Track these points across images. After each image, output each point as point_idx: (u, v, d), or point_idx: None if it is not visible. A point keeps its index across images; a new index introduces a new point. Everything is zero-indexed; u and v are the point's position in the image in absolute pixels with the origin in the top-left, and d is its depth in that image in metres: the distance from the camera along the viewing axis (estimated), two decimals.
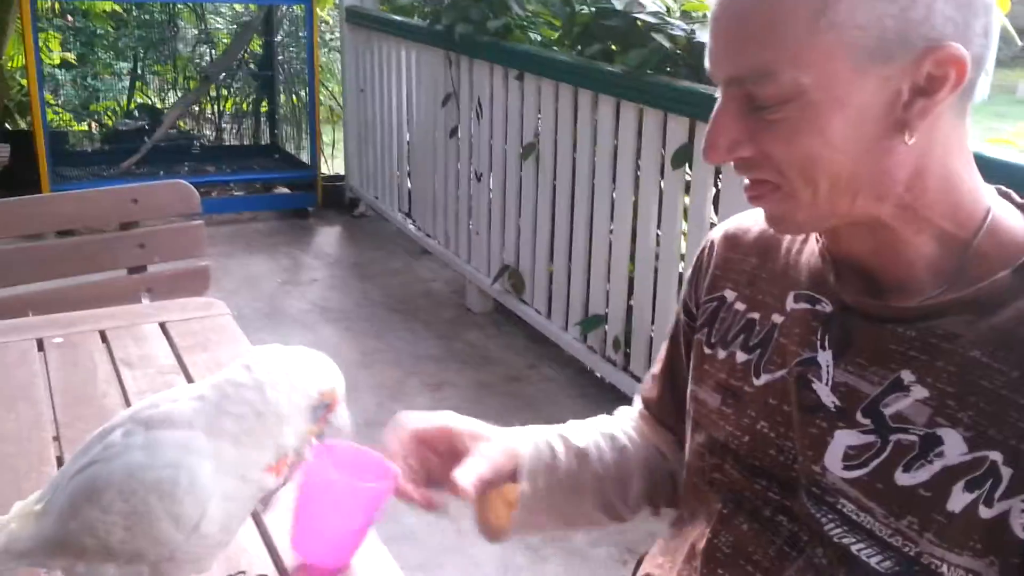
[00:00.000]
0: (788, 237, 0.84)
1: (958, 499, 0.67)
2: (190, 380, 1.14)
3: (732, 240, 0.89)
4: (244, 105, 5.38)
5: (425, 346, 3.22)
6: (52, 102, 5.03)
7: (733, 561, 0.80)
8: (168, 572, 0.70)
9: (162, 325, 1.29)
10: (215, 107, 5.43)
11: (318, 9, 4.73)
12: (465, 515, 0.89)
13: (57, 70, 5.26)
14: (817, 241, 0.81)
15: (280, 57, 5.07)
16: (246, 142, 5.36)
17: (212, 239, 4.31)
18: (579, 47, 2.73)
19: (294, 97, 5.06)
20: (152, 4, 5.14)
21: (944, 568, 0.67)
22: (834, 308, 0.77)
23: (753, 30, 0.67)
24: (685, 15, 2.32)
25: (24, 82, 4.65)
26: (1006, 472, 0.65)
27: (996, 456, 0.66)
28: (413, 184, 4.02)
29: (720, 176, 2.19)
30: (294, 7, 4.74)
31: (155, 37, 5.41)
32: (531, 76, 2.85)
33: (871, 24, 0.64)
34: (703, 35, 2.13)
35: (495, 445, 0.87)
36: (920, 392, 0.70)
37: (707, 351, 0.87)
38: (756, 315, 0.84)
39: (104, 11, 5.13)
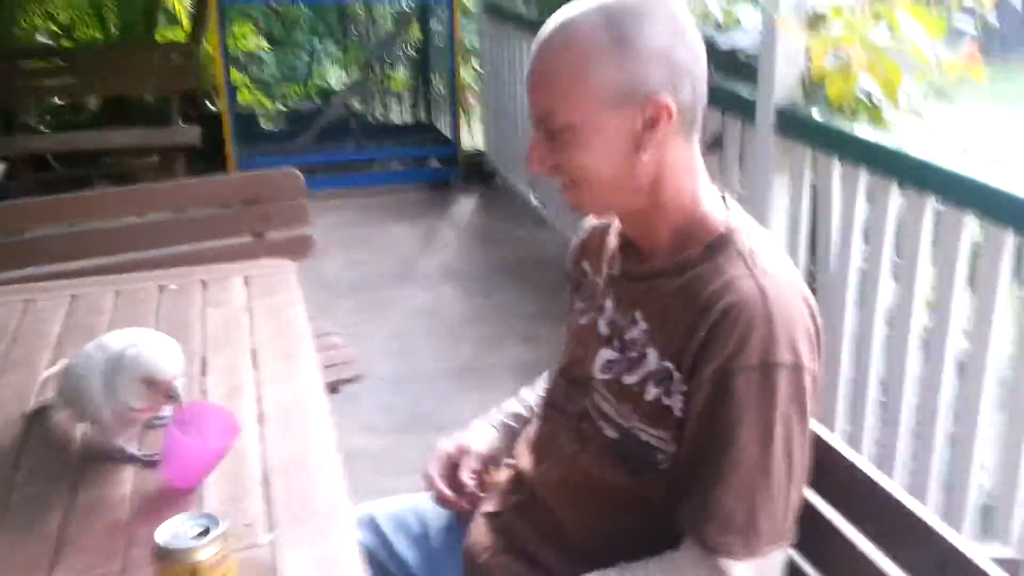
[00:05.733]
0: (613, 227, 1.21)
1: (651, 393, 1.04)
2: (252, 318, 1.64)
3: (590, 231, 1.27)
4: (403, 86, 6.00)
5: (526, 304, 3.66)
6: (246, 84, 5.83)
7: (546, 436, 1.22)
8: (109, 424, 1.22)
9: (246, 278, 1.81)
10: (381, 87, 6.08)
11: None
12: None
13: (261, 53, 6.08)
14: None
15: (434, 43, 5.61)
16: (407, 119, 5.98)
17: (368, 208, 4.97)
18: None
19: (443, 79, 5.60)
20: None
21: (644, 436, 1.05)
22: (617, 273, 1.14)
23: (544, 88, 1.04)
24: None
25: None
26: (676, 376, 1.01)
27: (670, 365, 1.02)
28: None
29: None
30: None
31: (331, 27, 6.13)
32: None
33: (610, 85, 1.00)
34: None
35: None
36: (643, 325, 1.07)
37: (575, 305, 1.25)
38: (595, 279, 1.22)
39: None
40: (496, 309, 3.63)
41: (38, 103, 5.52)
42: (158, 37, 5.76)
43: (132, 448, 1.22)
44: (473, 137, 5.71)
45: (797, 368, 0.97)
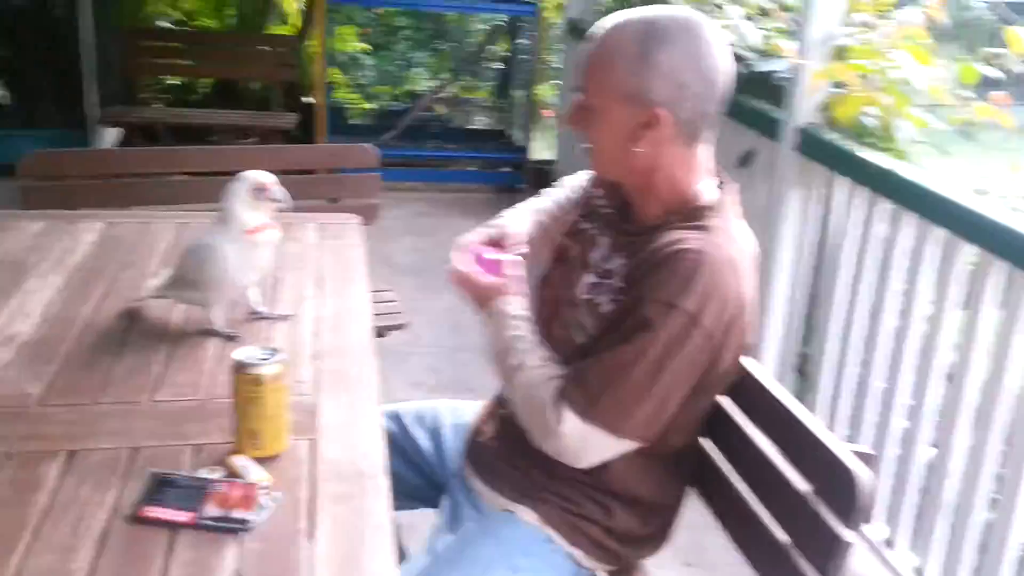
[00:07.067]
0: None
1: (607, 306, 1.33)
2: (321, 253, 2.00)
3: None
4: (485, 95, 6.39)
5: None
6: (343, 83, 6.30)
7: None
8: (218, 297, 1.55)
9: (320, 225, 2.17)
10: (465, 94, 6.49)
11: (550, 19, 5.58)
12: None
13: (361, 55, 6.56)
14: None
15: (519, 58, 5.99)
16: (485, 126, 6.37)
17: (439, 202, 5.36)
18: None
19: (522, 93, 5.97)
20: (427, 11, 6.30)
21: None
22: (616, 219, 1.44)
23: (582, 70, 1.34)
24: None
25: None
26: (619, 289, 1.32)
27: (624, 286, 1.32)
28: None
29: None
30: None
31: (426, 35, 6.57)
32: None
33: (623, 85, 1.28)
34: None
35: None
36: (623, 262, 1.36)
37: (579, 224, 1.52)
38: (603, 213, 1.49)
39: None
40: None
41: (156, 81, 6.07)
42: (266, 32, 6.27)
43: (220, 324, 1.57)
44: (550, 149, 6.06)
45: (693, 321, 1.22)
